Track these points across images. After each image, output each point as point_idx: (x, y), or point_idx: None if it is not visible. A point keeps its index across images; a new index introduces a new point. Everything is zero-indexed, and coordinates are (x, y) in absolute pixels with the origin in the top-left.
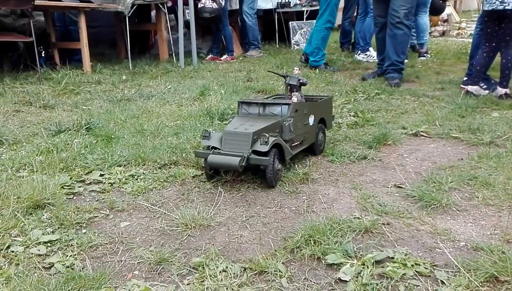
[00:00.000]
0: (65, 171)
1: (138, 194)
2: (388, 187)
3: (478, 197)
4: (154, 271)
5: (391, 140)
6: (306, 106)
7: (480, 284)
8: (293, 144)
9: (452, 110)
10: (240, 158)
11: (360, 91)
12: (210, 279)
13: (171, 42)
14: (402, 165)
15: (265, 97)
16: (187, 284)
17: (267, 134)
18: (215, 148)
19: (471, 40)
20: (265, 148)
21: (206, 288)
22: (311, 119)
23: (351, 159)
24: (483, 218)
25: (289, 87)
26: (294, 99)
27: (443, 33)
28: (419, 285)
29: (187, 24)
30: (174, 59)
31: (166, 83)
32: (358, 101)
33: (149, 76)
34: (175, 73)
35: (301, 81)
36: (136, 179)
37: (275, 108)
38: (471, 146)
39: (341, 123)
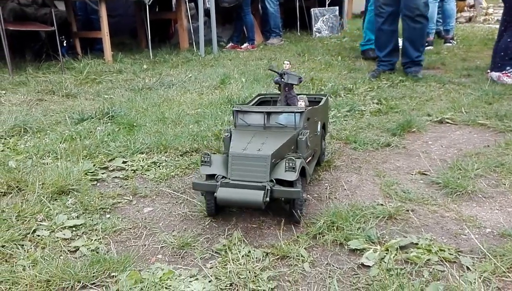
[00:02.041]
0: (88, 158)
1: (161, 180)
2: (412, 174)
3: (505, 184)
4: (177, 255)
5: (416, 128)
6: (315, 113)
7: (507, 270)
8: (306, 161)
9: (479, 97)
10: (262, 192)
11: (384, 78)
12: (233, 263)
13: (192, 31)
14: (427, 152)
15: (250, 100)
16: (210, 268)
17: (293, 157)
18: (221, 177)
19: (498, 26)
20: (293, 176)
21: (229, 271)
22: (319, 127)
23: (374, 146)
24: (510, 204)
25: (286, 87)
26: (302, 104)
27: (469, 19)
28: (444, 271)
29: (207, 13)
30: (195, 48)
31: (186, 72)
32: (382, 89)
33: (169, 65)
34: (196, 62)
35: (301, 80)
36: (158, 166)
37: (283, 117)
38: (498, 132)
39: (364, 110)
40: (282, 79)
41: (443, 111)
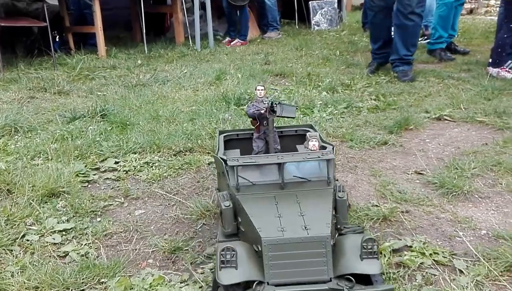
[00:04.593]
0: (80, 159)
1: (153, 181)
2: (408, 174)
3: (501, 184)
4: (168, 259)
5: (413, 125)
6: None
7: (500, 274)
8: None
9: (478, 93)
10: None
11: (382, 73)
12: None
13: (187, 25)
14: (424, 151)
15: (220, 132)
16: (201, 273)
17: (372, 239)
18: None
19: None
20: (376, 266)
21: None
22: None
23: (371, 145)
24: (506, 205)
25: (265, 121)
26: (315, 144)
27: (470, 11)
28: (436, 275)
29: (203, 6)
30: (190, 42)
31: (182, 67)
32: (380, 84)
33: (164, 60)
34: (191, 57)
35: (297, 109)
36: (151, 166)
37: (307, 168)
38: (496, 130)
39: (362, 107)
40: (272, 112)
41: (442, 108)
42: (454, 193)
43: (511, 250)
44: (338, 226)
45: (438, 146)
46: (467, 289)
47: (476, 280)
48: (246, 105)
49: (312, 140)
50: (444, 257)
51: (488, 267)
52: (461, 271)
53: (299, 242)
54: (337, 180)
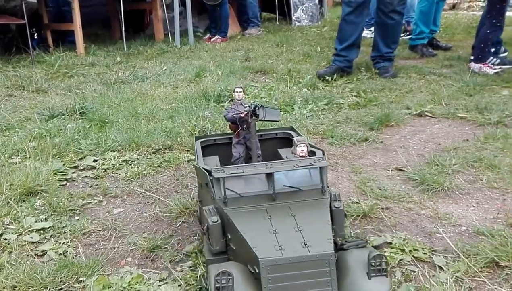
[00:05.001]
0: (58, 157)
1: (132, 179)
2: (389, 170)
3: (482, 180)
4: (147, 258)
5: (394, 121)
6: None
7: (480, 270)
8: None
9: (460, 89)
10: None
11: (363, 69)
12: (203, 266)
13: (167, 22)
14: (405, 147)
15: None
16: (180, 271)
17: (380, 255)
18: None
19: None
20: (386, 286)
21: (199, 275)
22: None
23: (351, 141)
24: (486, 201)
25: (245, 125)
26: (304, 149)
27: (453, 6)
28: (416, 271)
29: (183, 2)
30: (170, 39)
31: (161, 64)
32: (361, 81)
33: (144, 57)
34: (171, 54)
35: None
36: (130, 164)
37: (298, 176)
38: (477, 126)
39: (342, 104)
40: (253, 117)
41: (423, 104)
42: (435, 190)
43: (491, 246)
44: (338, 239)
45: (419, 142)
46: (447, 285)
47: (456, 276)
48: (224, 109)
49: (300, 146)
50: (424, 253)
51: (467, 263)
52: (440, 268)
53: (300, 261)
54: (328, 187)
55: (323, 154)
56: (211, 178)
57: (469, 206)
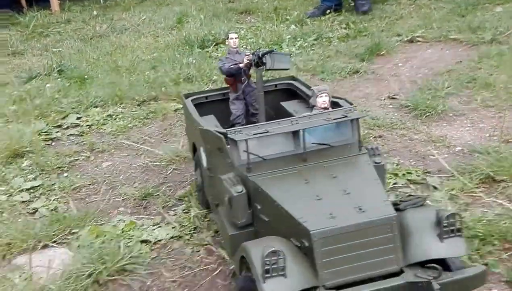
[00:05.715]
0: (40, 118)
1: (118, 133)
2: (381, 100)
3: (477, 100)
4: (139, 206)
5: (385, 50)
6: None
7: (475, 186)
8: None
9: (451, 10)
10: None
11: (352, 1)
12: (196, 208)
13: None
14: (397, 75)
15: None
16: (173, 215)
17: (455, 214)
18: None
19: None
20: (462, 247)
21: (193, 216)
22: None
23: (342, 75)
24: (481, 120)
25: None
26: (325, 100)
27: None
28: (409, 192)
29: None
30: None
31: (140, 14)
32: (350, 12)
33: (121, 8)
34: (150, 2)
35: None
36: (115, 119)
37: (331, 131)
38: (471, 46)
39: (332, 37)
40: (260, 66)
41: (414, 29)
42: (428, 114)
43: (486, 163)
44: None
45: (411, 69)
46: (442, 203)
47: (451, 193)
48: (219, 60)
49: (322, 96)
50: (418, 175)
51: (462, 181)
52: (435, 187)
53: (358, 229)
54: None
55: (350, 104)
56: (227, 142)
57: (463, 126)
